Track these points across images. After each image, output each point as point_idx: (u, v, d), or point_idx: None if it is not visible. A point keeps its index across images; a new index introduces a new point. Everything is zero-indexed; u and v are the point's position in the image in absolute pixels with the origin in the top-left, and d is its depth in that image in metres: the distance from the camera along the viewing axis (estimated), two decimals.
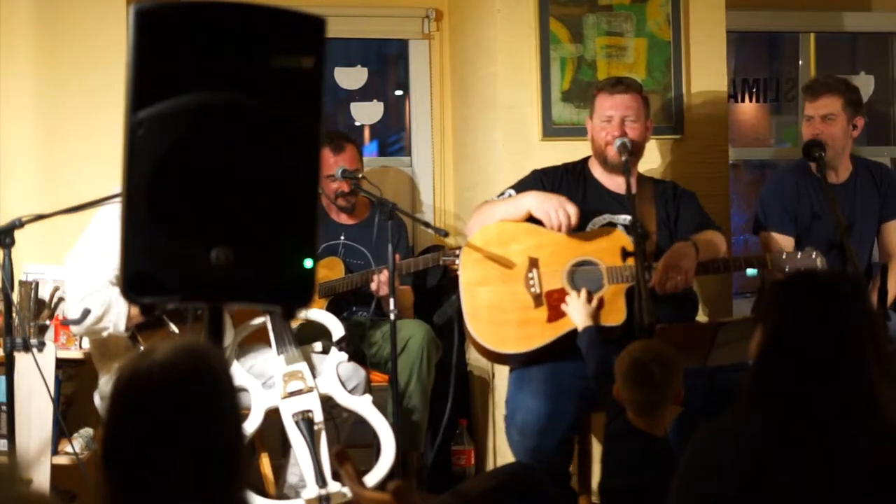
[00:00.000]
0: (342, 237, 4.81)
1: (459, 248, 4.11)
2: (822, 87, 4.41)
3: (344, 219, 4.88)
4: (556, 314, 3.85)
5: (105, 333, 3.84)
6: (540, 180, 4.10)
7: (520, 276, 3.92)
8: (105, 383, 3.98)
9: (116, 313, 3.78)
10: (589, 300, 3.79)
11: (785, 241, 4.39)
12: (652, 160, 4.66)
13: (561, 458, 3.79)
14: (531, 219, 3.97)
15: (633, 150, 4.02)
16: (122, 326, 3.79)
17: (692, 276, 3.84)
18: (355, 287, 4.58)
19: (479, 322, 3.89)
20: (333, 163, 4.69)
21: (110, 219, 3.75)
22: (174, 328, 3.86)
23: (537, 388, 3.75)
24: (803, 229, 4.42)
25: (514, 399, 3.84)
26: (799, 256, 3.93)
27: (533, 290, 3.89)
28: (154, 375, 1.74)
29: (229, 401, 1.80)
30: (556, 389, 3.74)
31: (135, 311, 3.75)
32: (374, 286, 4.47)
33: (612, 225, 4.02)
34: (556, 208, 3.88)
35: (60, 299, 3.94)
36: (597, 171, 4.16)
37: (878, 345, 2.17)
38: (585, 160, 4.21)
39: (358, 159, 4.82)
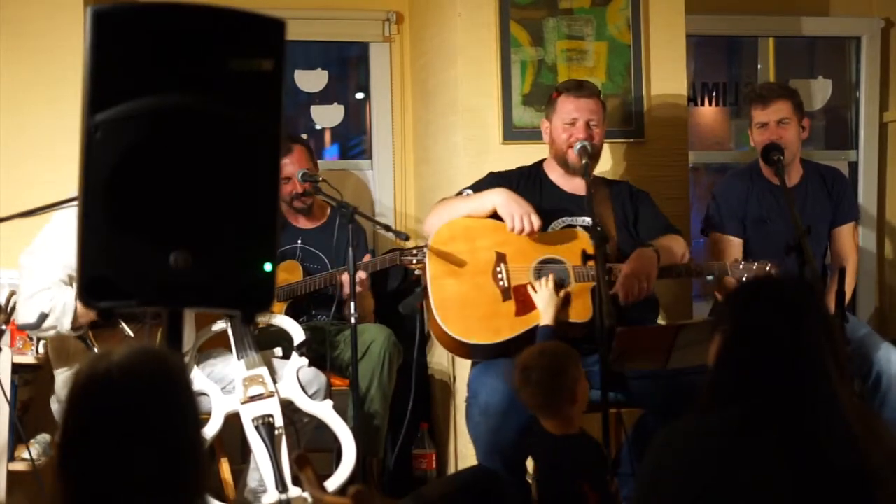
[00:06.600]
0: (299, 241, 4.78)
1: (418, 247, 4.10)
2: (772, 92, 4.48)
3: (302, 223, 4.84)
4: (524, 308, 3.87)
5: (53, 332, 3.80)
6: (496, 182, 4.10)
7: (488, 270, 3.92)
8: (62, 387, 3.94)
9: (62, 312, 3.73)
10: (557, 291, 3.81)
11: (733, 243, 4.44)
12: (612, 163, 4.68)
13: (520, 444, 3.78)
14: (494, 216, 3.97)
15: (593, 154, 4.04)
16: (66, 326, 3.75)
17: (653, 284, 3.86)
18: (315, 290, 4.54)
19: (447, 313, 3.88)
20: (284, 164, 4.64)
21: (67, 220, 3.72)
22: (128, 329, 3.82)
23: (503, 370, 3.74)
24: (751, 233, 4.47)
25: (478, 380, 3.83)
26: (755, 267, 3.97)
27: (501, 283, 3.90)
28: (113, 377, 1.71)
29: (189, 403, 1.78)
30: None
31: (82, 310, 3.70)
32: (343, 279, 4.35)
33: (572, 226, 4.03)
34: (523, 214, 3.89)
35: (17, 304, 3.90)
36: (553, 174, 4.16)
37: (836, 347, 2.18)
38: (540, 163, 4.22)
39: (307, 159, 4.76)
